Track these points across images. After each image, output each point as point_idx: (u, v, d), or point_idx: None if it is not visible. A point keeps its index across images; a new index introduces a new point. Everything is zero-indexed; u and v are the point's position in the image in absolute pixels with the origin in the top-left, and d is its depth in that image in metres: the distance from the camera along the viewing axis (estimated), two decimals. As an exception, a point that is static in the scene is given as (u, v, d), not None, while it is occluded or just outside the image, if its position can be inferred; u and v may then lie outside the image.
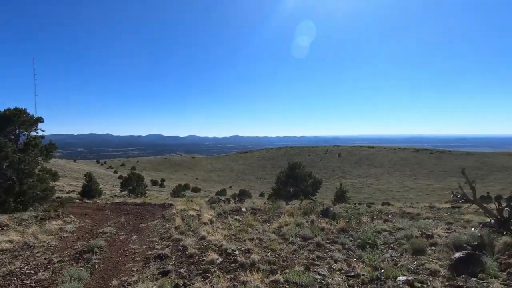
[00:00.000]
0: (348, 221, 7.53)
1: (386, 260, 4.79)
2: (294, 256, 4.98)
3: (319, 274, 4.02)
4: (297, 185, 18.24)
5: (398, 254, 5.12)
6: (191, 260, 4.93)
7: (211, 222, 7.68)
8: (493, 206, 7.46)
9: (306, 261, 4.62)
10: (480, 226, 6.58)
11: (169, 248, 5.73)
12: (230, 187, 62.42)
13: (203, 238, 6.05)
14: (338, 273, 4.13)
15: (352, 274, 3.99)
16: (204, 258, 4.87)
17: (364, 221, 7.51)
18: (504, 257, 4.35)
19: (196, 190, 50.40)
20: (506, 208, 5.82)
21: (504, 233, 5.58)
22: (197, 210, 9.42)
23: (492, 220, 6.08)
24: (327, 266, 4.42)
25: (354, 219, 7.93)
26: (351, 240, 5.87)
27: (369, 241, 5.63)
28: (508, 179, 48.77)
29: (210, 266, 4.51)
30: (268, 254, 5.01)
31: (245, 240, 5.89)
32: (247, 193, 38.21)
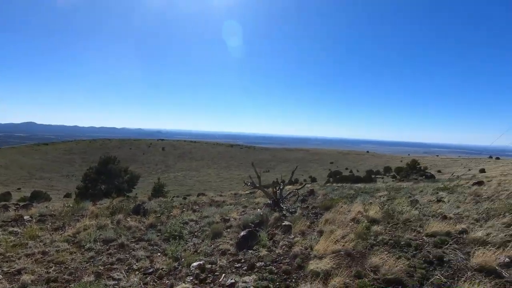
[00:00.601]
0: (159, 215, 7.51)
1: (188, 248, 5.11)
2: (88, 265, 4.36)
3: (114, 279, 3.70)
4: (111, 181, 16.39)
5: (200, 241, 5.59)
6: None
7: (-37, 242, 5.46)
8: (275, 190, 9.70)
9: (102, 268, 4.15)
10: (264, 206, 8.36)
11: None
12: (19, 189, 47.81)
13: None
14: (137, 272, 3.98)
15: (151, 270, 3.95)
16: None
17: (174, 214, 7.72)
18: (273, 229, 5.71)
19: (-49, 197, 34.95)
20: (278, 191, 7.68)
21: (277, 210, 7.36)
22: None
23: (271, 201, 7.87)
24: (126, 268, 4.16)
25: (166, 213, 8.03)
26: (158, 235, 5.86)
27: (176, 233, 5.82)
28: (289, 168, 65.48)
29: None
30: (51, 269, 4.11)
31: (19, 258, 4.58)
32: (43, 195, 30.46)
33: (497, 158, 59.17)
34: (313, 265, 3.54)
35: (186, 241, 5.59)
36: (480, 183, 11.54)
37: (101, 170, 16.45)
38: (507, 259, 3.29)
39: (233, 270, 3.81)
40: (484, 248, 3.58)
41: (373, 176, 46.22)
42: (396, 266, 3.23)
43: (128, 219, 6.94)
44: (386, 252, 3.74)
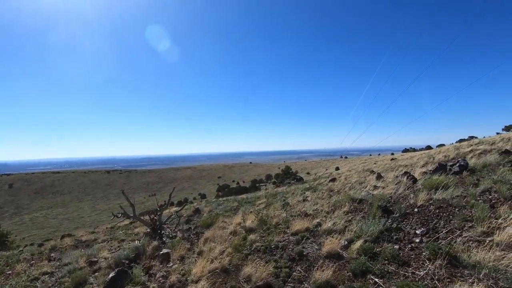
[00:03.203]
0: (-7, 278, 5.71)
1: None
2: None
3: None
4: None
5: (56, 298, 4.54)
6: None
7: None
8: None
9: None
10: (144, 236, 7.61)
11: None
12: None
13: None
14: None
15: None
16: None
17: (19, 271, 6.04)
18: (150, 260, 5.22)
19: None
20: (155, 218, 7.16)
21: (157, 238, 6.82)
22: None
23: (149, 229, 7.24)
24: None
25: (7, 272, 6.20)
26: (-11, 306, 4.42)
27: (18, 297, 4.54)
28: (178, 188, 62.85)
29: None
30: None
31: None
32: None
33: (346, 157, 74.53)
34: (188, 292, 3.39)
35: (35, 303, 4.43)
36: (333, 180, 14.13)
37: None
38: (346, 242, 4.05)
39: (95, 324, 3.22)
40: (332, 236, 4.31)
41: (257, 185, 49.76)
42: (265, 271, 3.47)
43: None
44: (258, 259, 3.98)
